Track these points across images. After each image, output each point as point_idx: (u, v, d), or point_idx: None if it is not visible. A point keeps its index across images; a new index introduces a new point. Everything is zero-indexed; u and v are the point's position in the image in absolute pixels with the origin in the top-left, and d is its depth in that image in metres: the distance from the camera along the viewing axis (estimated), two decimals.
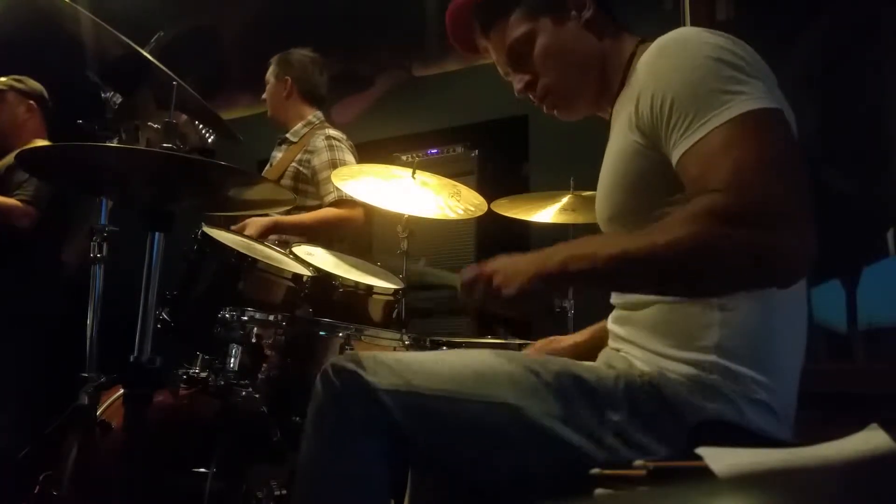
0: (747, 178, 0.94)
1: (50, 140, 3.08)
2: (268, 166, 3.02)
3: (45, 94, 3.15)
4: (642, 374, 1.10)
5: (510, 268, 1.08)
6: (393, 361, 1.13)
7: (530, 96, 1.32)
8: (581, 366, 1.16)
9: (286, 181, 2.82)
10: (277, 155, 3.01)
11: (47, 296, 3.02)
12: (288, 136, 2.98)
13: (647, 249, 0.98)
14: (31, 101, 3.08)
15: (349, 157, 2.83)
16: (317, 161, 2.82)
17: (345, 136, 2.93)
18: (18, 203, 2.88)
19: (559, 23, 1.26)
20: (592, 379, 1.11)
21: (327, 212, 2.76)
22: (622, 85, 1.22)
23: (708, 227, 0.94)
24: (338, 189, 2.56)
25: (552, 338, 1.52)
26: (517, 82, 1.32)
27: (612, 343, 1.24)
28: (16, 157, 1.50)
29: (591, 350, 1.30)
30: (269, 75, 3.03)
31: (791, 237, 0.92)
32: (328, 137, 2.86)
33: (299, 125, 2.98)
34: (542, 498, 1.02)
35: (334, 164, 2.75)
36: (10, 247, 2.90)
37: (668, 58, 1.09)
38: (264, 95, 3.04)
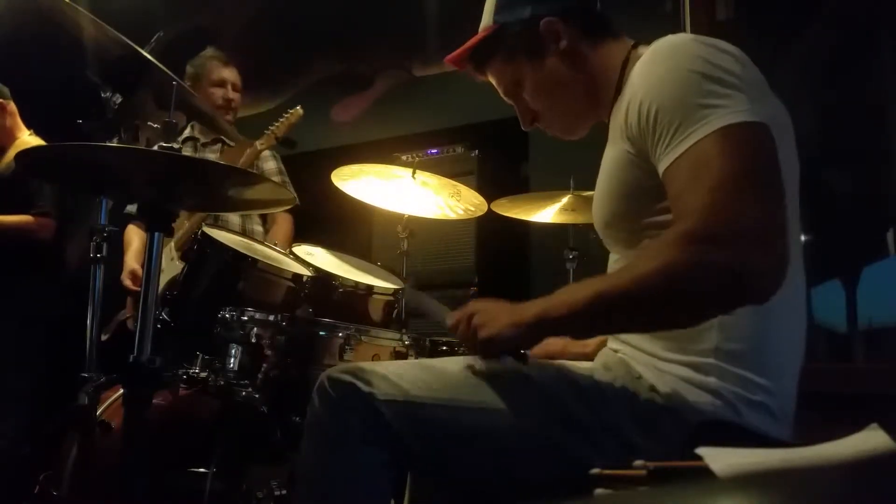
0: (717, 201, 0.94)
1: (50, 140, 3.07)
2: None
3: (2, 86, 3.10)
4: (640, 376, 1.11)
5: (490, 312, 1.11)
6: (389, 371, 1.13)
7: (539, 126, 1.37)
8: (578, 368, 1.16)
9: None
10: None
11: (47, 296, 3.01)
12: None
13: (622, 286, 0.99)
14: (2, 101, 3.03)
15: None
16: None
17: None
18: (31, 219, 2.90)
19: (538, 61, 1.27)
20: (589, 382, 1.11)
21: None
22: (617, 93, 1.22)
23: (678, 255, 0.94)
24: None
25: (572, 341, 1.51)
26: (521, 121, 1.37)
27: (610, 344, 1.24)
28: (15, 157, 1.49)
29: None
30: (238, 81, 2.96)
31: (761, 256, 0.92)
32: None
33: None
34: (542, 500, 1.02)
35: None
36: (11, 247, 2.89)
37: (655, 68, 1.09)
38: (237, 102, 2.95)
